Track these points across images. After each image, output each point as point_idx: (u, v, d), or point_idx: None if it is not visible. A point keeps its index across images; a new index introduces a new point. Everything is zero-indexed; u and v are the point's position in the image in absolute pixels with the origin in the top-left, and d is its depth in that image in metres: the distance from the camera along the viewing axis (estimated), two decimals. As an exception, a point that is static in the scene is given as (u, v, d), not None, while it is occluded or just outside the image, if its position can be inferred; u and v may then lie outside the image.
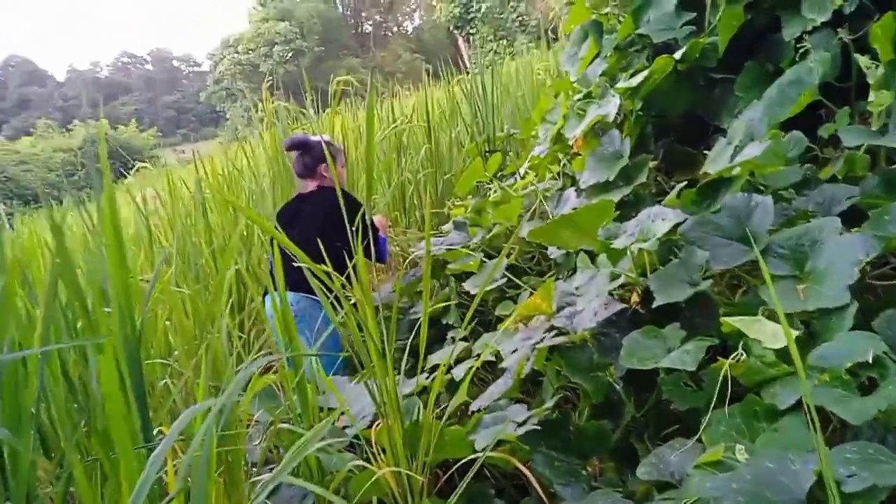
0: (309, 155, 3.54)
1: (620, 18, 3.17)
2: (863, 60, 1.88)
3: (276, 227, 3.41)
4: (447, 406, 2.16)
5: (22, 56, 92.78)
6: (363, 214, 3.11)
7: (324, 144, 3.31)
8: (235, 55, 40.80)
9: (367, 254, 3.17)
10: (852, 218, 1.79)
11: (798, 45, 2.35)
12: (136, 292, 2.17)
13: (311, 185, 3.59)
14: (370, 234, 3.09)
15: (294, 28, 40.43)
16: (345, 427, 2.17)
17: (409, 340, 2.99)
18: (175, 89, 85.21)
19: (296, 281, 3.06)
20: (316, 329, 2.90)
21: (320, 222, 3.35)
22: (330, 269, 1.94)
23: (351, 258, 2.30)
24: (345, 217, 3.12)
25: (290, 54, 39.72)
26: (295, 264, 1.96)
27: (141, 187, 5.70)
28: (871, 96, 1.86)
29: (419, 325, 2.02)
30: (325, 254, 2.49)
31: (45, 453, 2.06)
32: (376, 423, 2.00)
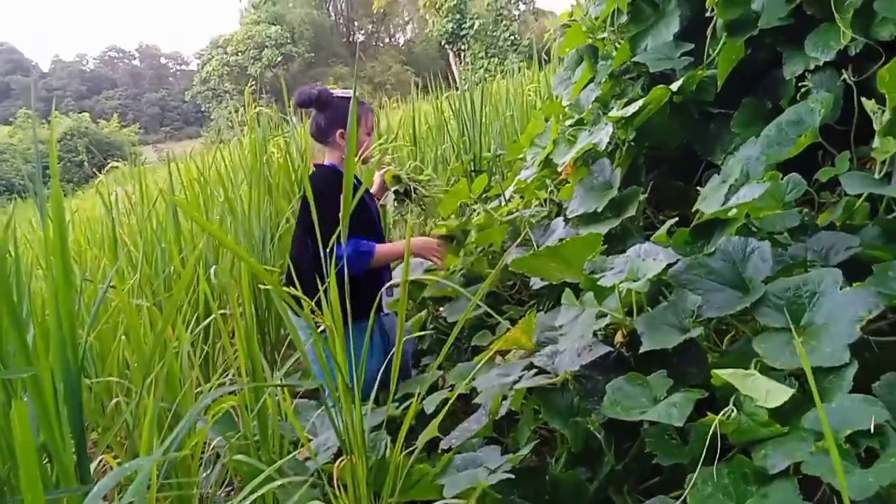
0: (325, 114, 2.86)
1: (617, 45, 3.10)
2: (870, 105, 1.80)
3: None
4: (417, 439, 2.05)
5: (7, 44, 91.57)
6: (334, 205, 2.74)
7: (340, 99, 2.82)
8: (224, 56, 40.52)
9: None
10: (851, 269, 1.71)
11: (799, 84, 2.27)
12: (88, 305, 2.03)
13: (321, 157, 2.96)
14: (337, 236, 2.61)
15: (285, 33, 40.27)
16: (307, 459, 2.04)
17: (384, 364, 2.89)
18: (161, 86, 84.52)
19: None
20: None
21: (300, 215, 2.88)
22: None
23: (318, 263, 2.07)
24: (324, 206, 2.69)
25: (279, 58, 39.55)
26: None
27: (115, 185, 5.53)
28: (876, 142, 1.79)
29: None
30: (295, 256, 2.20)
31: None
32: (341, 458, 1.87)
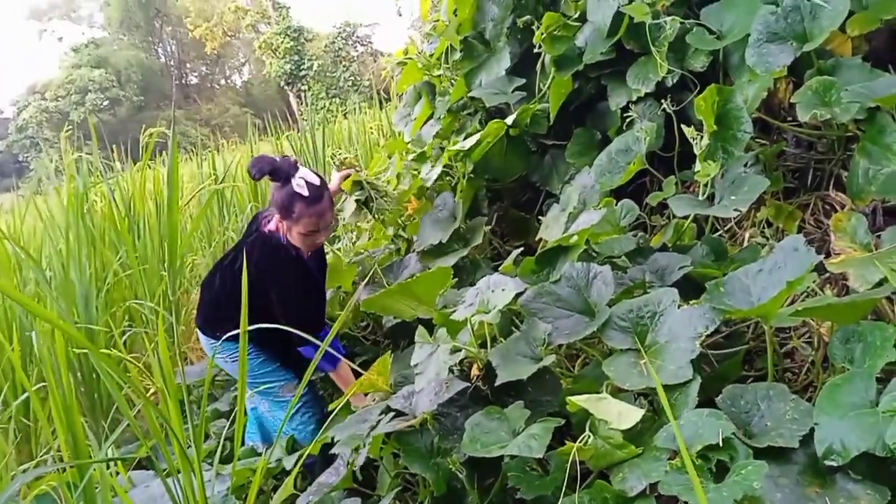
0: (278, 190, 2.45)
1: (453, 81, 3.14)
2: (689, 131, 1.91)
3: None
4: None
5: None
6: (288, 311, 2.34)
7: (290, 189, 2.37)
8: (42, 102, 37.68)
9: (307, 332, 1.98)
10: (685, 287, 1.79)
11: (624, 115, 2.40)
12: None
13: (266, 224, 2.58)
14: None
15: (110, 76, 38.09)
16: (145, 538, 1.83)
17: (229, 422, 2.69)
18: (-30, 136, 76.83)
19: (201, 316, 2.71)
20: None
21: (243, 274, 2.61)
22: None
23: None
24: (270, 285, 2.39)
25: (105, 103, 37.32)
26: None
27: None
28: (697, 166, 1.90)
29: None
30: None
31: None
32: (183, 533, 1.69)
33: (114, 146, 5.08)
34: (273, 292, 2.45)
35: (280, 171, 2.41)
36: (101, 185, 3.57)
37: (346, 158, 2.82)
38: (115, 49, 41.62)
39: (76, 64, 38.66)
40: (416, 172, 3.08)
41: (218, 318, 2.56)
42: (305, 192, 2.39)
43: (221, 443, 2.21)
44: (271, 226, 2.54)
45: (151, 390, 1.75)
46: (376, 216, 2.87)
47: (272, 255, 2.49)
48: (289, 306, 2.44)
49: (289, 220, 2.43)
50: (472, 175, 2.87)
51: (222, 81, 49.90)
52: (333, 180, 2.87)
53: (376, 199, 2.80)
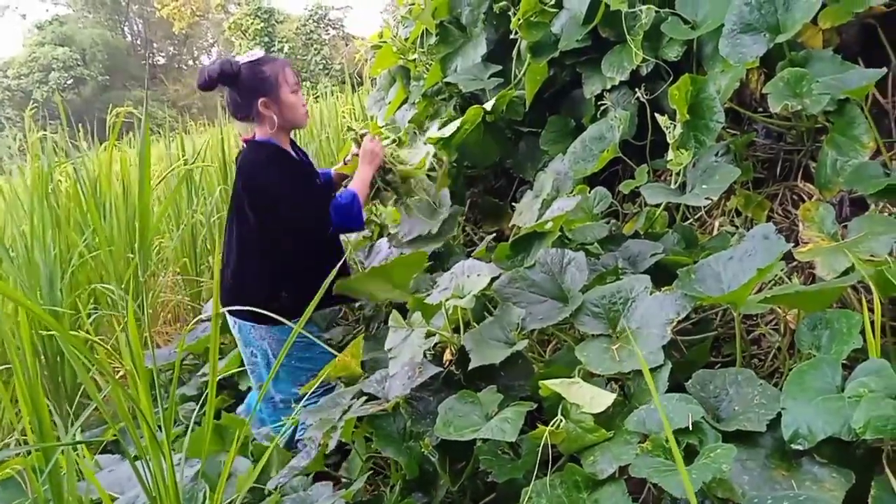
0: (237, 88, 2.37)
1: (428, 66, 3.13)
2: (662, 120, 1.93)
3: None
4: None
5: None
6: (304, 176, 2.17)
7: (249, 66, 2.32)
8: (5, 80, 36.71)
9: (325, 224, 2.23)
10: (656, 274, 1.81)
11: (598, 103, 2.41)
12: None
13: (249, 134, 2.46)
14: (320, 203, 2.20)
15: (75, 54, 37.19)
16: (112, 522, 1.80)
17: (199, 406, 2.67)
18: (-74, 113, 74.45)
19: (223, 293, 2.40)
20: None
21: (235, 202, 2.38)
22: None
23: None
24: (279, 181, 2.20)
25: (69, 81, 36.47)
26: None
27: None
28: (670, 155, 1.92)
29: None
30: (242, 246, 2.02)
31: None
32: (151, 517, 1.67)
33: (79, 126, 4.96)
34: (267, 197, 2.30)
35: (228, 69, 2.34)
36: (67, 164, 3.49)
37: (365, 134, 2.56)
38: (80, 27, 40.62)
39: (40, 41, 37.68)
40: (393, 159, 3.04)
41: (244, 288, 2.37)
42: (261, 54, 2.41)
43: (191, 427, 2.19)
44: (248, 137, 2.45)
45: (119, 373, 1.72)
46: (395, 189, 2.58)
47: (256, 156, 2.38)
48: (285, 204, 2.27)
49: (271, 91, 2.34)
50: (453, 163, 2.86)
51: (190, 62, 48.92)
52: (353, 152, 2.64)
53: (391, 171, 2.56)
